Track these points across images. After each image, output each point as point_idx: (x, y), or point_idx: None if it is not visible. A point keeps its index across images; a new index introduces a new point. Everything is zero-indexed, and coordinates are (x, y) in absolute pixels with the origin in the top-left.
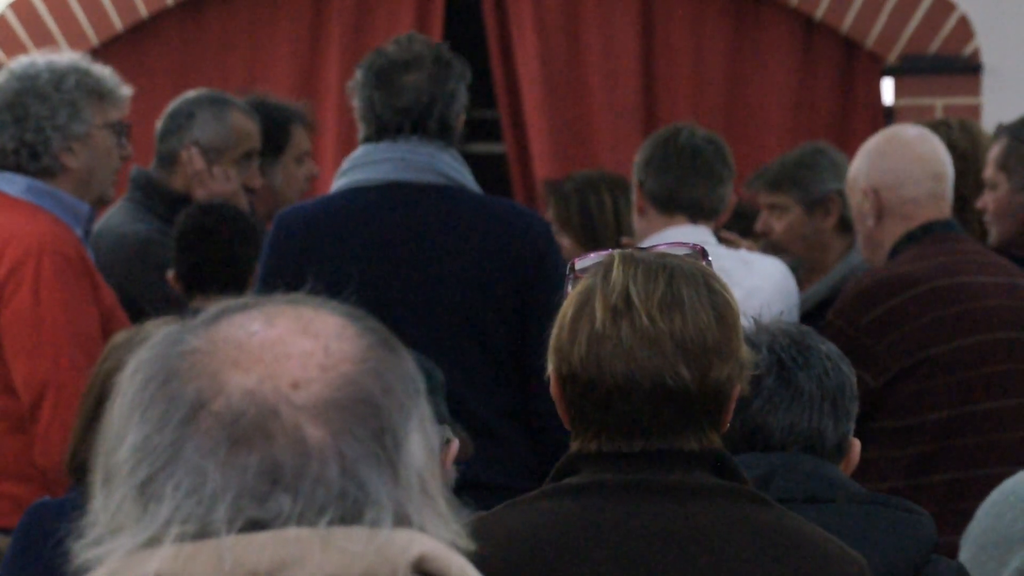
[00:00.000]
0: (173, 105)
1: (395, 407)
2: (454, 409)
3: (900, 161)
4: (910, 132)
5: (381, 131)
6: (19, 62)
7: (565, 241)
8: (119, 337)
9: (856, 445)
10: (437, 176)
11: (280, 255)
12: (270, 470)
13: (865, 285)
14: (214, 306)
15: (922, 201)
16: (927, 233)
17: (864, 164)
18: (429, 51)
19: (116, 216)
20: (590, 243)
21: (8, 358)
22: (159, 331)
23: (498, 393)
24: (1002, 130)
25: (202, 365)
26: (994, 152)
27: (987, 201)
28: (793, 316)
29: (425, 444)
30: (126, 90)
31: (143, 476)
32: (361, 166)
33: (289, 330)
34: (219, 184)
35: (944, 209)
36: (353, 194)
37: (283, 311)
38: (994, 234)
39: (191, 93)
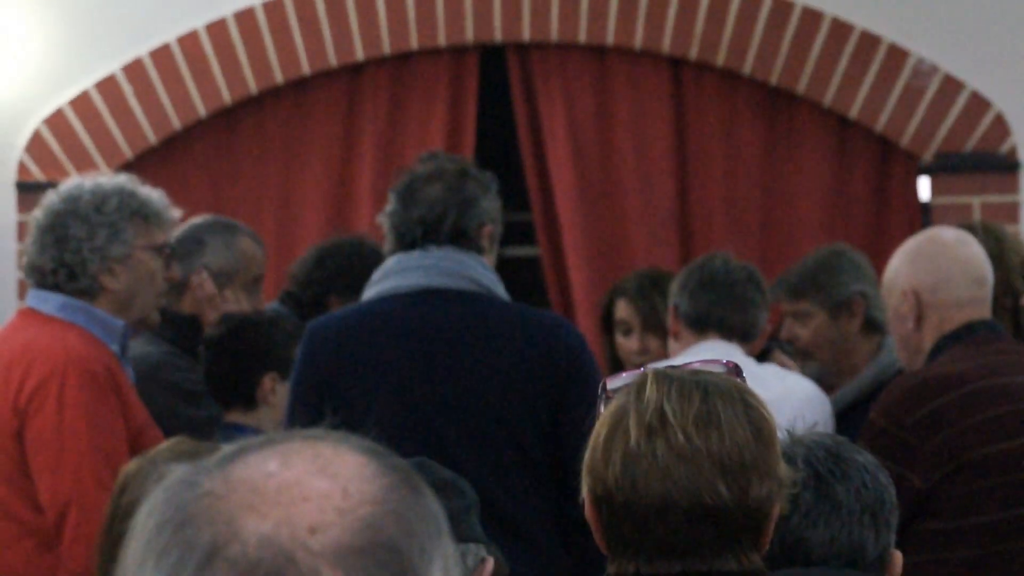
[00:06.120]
0: (181, 231)
1: (416, 550)
2: (490, 514)
3: (942, 263)
4: (950, 234)
5: (399, 242)
6: (67, 183)
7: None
8: (131, 466)
9: (898, 557)
10: (468, 282)
11: (312, 363)
12: None
13: (909, 385)
14: (229, 445)
15: (964, 303)
16: (970, 332)
17: (904, 266)
18: (453, 165)
19: None
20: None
21: (34, 475)
22: (173, 471)
23: (534, 497)
24: None
25: (217, 509)
26: None
27: None
28: (828, 428)
29: None
30: (173, 213)
31: None
32: (392, 274)
33: (306, 471)
34: (230, 308)
35: (985, 311)
36: (385, 301)
37: (300, 450)
38: None
39: (198, 219)
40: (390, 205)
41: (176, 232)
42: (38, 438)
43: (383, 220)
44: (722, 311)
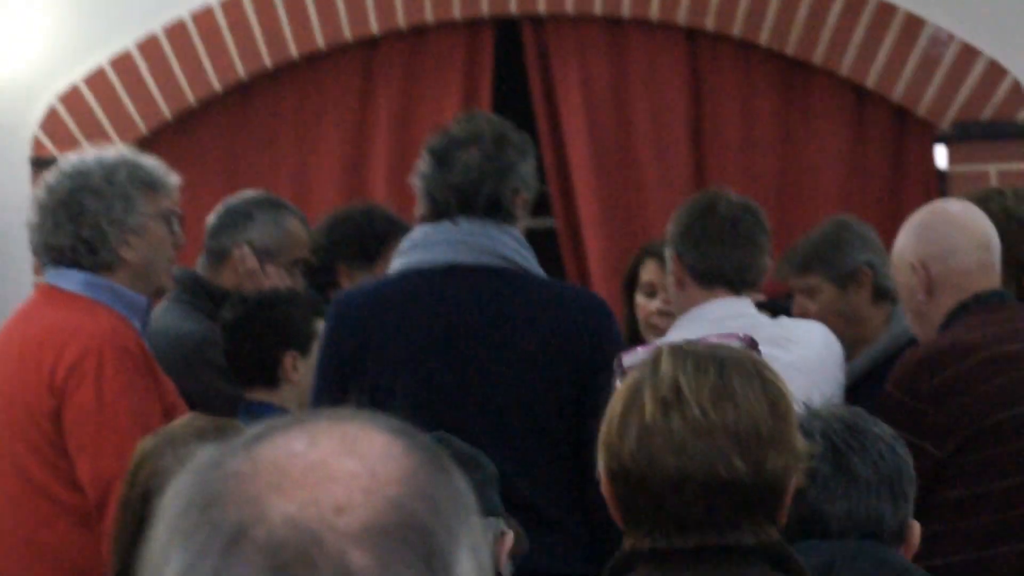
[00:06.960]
0: (230, 202)
1: (444, 529)
2: (510, 498)
3: (947, 232)
4: (953, 205)
5: (432, 208)
6: (68, 160)
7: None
8: (148, 443)
9: (915, 528)
10: (495, 258)
11: (338, 338)
12: None
13: (922, 355)
14: (255, 426)
15: (973, 271)
16: (979, 303)
17: (910, 239)
18: (490, 127)
19: (166, 316)
20: None
21: (72, 454)
22: (199, 452)
23: (556, 481)
24: None
25: (243, 490)
26: None
27: None
28: (839, 376)
29: (476, 565)
30: (175, 179)
31: None
32: (419, 247)
33: (333, 451)
34: (271, 283)
35: (994, 279)
36: (411, 276)
37: (327, 430)
38: None
39: (249, 193)
40: (423, 165)
41: (226, 202)
42: (77, 417)
43: (416, 181)
44: (731, 264)
